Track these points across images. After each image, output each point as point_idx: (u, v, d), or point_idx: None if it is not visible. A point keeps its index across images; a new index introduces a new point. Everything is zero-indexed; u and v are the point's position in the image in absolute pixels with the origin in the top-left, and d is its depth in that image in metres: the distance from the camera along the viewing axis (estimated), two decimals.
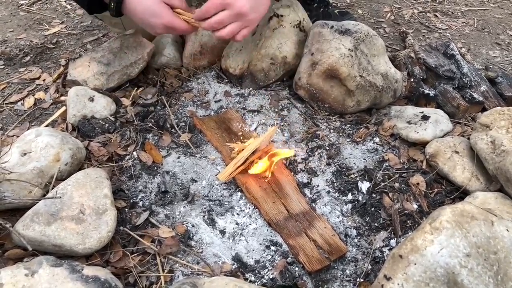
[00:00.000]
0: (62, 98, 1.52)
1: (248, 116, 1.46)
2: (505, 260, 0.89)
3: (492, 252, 0.89)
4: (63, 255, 1.03)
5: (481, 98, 1.52)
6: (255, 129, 1.41)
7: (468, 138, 1.33)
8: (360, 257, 1.11)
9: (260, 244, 1.12)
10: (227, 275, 1.03)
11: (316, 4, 1.87)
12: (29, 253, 1.03)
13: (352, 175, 1.29)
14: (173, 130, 1.40)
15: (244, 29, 1.24)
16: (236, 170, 1.25)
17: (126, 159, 1.30)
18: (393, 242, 1.13)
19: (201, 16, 1.23)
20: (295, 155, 1.32)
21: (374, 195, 1.24)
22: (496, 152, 1.19)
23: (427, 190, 1.26)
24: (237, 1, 1.17)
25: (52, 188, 1.12)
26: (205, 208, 1.19)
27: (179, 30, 1.29)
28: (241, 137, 1.37)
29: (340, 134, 1.42)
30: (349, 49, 1.40)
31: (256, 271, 1.06)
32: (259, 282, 1.04)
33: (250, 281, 1.04)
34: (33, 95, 1.55)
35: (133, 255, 1.07)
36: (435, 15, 2.20)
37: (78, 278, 0.92)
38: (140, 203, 1.20)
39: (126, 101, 1.48)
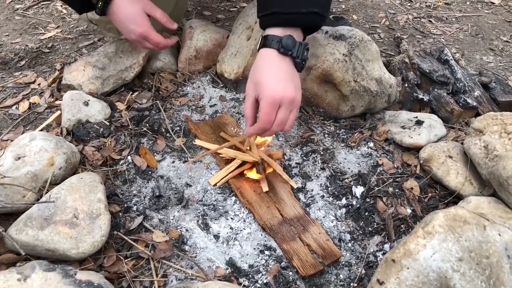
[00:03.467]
0: (57, 102, 1.52)
1: (243, 121, 1.46)
2: (497, 264, 0.89)
3: (484, 257, 0.89)
4: (56, 260, 1.03)
5: (474, 103, 1.53)
6: None
7: (462, 143, 1.34)
8: (354, 262, 1.11)
9: (254, 248, 1.12)
10: (220, 280, 1.03)
11: None
12: (22, 258, 1.03)
13: (346, 180, 1.30)
14: (168, 135, 1.40)
15: (294, 112, 1.11)
16: (229, 176, 1.26)
17: (120, 163, 1.30)
18: (387, 246, 1.14)
19: (263, 126, 1.09)
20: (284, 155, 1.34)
21: (368, 200, 1.25)
22: (489, 157, 1.20)
23: (421, 195, 1.26)
24: (286, 91, 1.06)
25: (46, 193, 1.12)
26: (199, 212, 1.19)
27: (153, 42, 1.39)
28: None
29: (335, 138, 1.42)
30: (343, 54, 1.40)
31: (250, 275, 1.06)
32: (252, 287, 1.04)
33: (244, 286, 1.04)
34: (28, 99, 1.55)
35: (126, 260, 1.07)
36: (430, 21, 2.22)
37: (71, 282, 0.92)
38: (134, 208, 1.19)
39: (121, 106, 1.49)
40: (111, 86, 1.52)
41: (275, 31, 1.11)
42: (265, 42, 1.11)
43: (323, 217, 1.20)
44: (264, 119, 1.06)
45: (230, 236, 1.14)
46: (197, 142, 1.36)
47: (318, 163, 1.34)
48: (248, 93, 1.13)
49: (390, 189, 1.27)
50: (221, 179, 1.26)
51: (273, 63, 1.10)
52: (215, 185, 1.25)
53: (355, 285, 1.06)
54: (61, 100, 1.45)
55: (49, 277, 0.92)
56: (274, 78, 1.08)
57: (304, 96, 1.47)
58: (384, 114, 1.50)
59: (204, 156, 1.33)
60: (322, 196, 1.25)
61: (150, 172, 1.29)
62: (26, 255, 1.02)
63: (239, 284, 1.04)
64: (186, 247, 1.11)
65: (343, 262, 1.10)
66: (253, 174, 1.27)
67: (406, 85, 1.59)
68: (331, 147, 1.39)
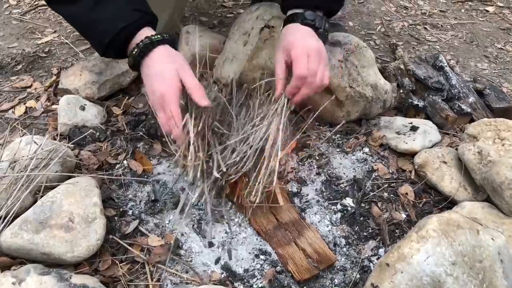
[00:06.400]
0: (54, 106, 1.52)
1: None
2: (490, 268, 0.90)
3: (477, 261, 0.90)
4: (51, 264, 1.03)
5: (469, 110, 1.54)
6: None
7: (456, 149, 1.35)
8: (349, 266, 1.11)
9: (250, 253, 1.12)
10: (215, 284, 1.03)
11: None
12: (17, 262, 1.02)
13: (341, 185, 1.30)
14: (164, 139, 1.41)
15: (322, 64, 1.16)
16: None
17: (116, 167, 1.30)
18: (381, 251, 1.14)
19: (300, 75, 1.12)
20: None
21: (363, 205, 1.25)
22: (483, 163, 1.21)
23: (416, 200, 1.27)
24: (311, 42, 1.15)
25: (42, 196, 1.12)
26: (194, 217, 1.19)
27: (168, 111, 1.06)
28: None
29: (330, 144, 1.43)
30: (339, 60, 1.41)
31: (245, 280, 1.06)
32: None
33: None
34: (24, 104, 1.55)
35: (122, 264, 1.07)
36: (425, 28, 2.24)
37: (66, 286, 0.92)
38: (130, 212, 1.20)
39: (117, 110, 1.49)
40: (108, 91, 1.53)
41: (297, 11, 1.20)
42: (288, 20, 1.21)
43: (318, 221, 1.20)
44: (298, 66, 1.11)
45: (225, 241, 1.14)
46: None
47: (314, 168, 1.34)
48: (278, 57, 1.18)
49: (385, 194, 1.28)
50: None
51: (298, 30, 1.18)
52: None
53: None
54: (58, 104, 1.45)
55: (44, 281, 0.92)
56: (302, 37, 1.16)
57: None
58: (379, 119, 1.51)
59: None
60: (318, 201, 1.25)
61: (146, 177, 1.29)
62: (21, 259, 1.02)
63: None
64: (181, 251, 1.11)
65: (338, 267, 1.11)
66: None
67: (401, 91, 1.60)
68: (326, 152, 1.40)
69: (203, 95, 1.08)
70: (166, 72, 1.08)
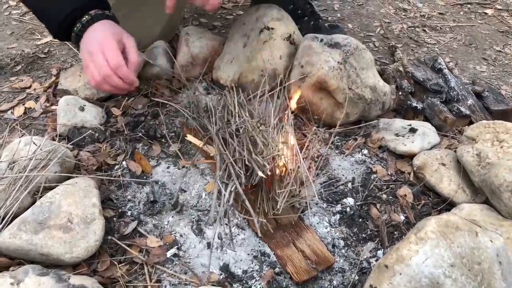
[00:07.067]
0: (53, 107, 1.52)
1: None
2: (489, 270, 0.90)
3: (476, 263, 0.90)
4: (50, 264, 1.03)
5: (468, 112, 1.55)
6: None
7: (455, 151, 1.35)
8: (348, 268, 1.11)
9: (248, 254, 1.12)
10: (214, 285, 1.03)
11: (306, 18, 1.89)
12: (16, 262, 1.02)
13: (340, 186, 1.30)
14: (163, 140, 1.41)
15: None
16: None
17: (115, 168, 1.30)
18: (380, 253, 1.14)
19: None
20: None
21: (362, 206, 1.25)
22: (482, 165, 1.21)
23: (414, 202, 1.27)
24: None
25: (40, 197, 1.12)
26: (193, 218, 1.19)
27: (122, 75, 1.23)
28: None
29: (329, 145, 1.43)
30: (338, 62, 1.42)
31: (244, 281, 1.06)
32: None
33: None
34: (23, 104, 1.55)
35: (120, 265, 1.07)
36: (424, 30, 2.24)
37: (65, 287, 0.92)
38: (129, 213, 1.20)
39: (116, 111, 1.49)
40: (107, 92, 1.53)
41: None
42: None
43: (317, 223, 1.20)
44: None
45: (224, 242, 1.14)
46: (189, 137, 1.35)
47: (313, 170, 1.34)
48: None
49: (384, 196, 1.28)
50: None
51: None
52: (211, 192, 1.25)
53: None
54: (57, 105, 1.45)
55: (42, 282, 0.92)
56: None
57: (299, 104, 1.48)
58: (378, 121, 1.51)
59: (199, 162, 1.33)
60: (316, 203, 1.25)
61: (145, 177, 1.29)
62: (20, 260, 1.02)
63: None
64: (180, 253, 1.11)
65: (337, 268, 1.11)
66: None
67: (400, 93, 1.60)
68: (325, 153, 1.40)
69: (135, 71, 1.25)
70: (107, 34, 1.16)
